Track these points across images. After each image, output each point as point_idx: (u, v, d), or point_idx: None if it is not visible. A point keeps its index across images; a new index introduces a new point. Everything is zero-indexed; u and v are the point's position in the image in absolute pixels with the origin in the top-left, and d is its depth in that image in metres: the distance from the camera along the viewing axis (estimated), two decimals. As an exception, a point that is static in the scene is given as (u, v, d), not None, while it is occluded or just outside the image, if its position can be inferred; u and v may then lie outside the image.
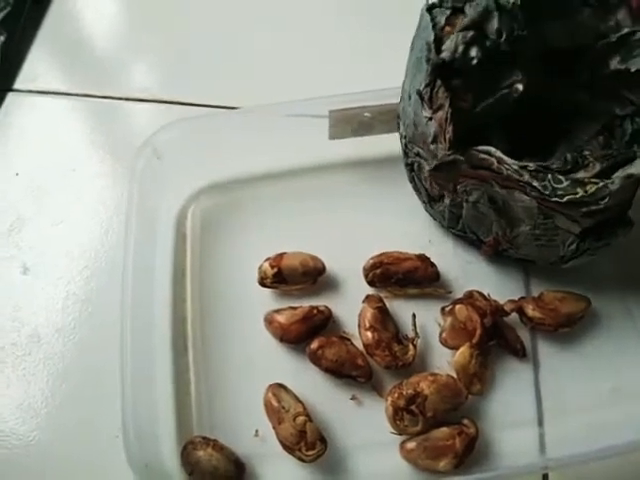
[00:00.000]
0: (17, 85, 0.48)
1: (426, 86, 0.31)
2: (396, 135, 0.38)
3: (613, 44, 0.32)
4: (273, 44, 0.49)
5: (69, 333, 0.38)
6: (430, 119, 0.31)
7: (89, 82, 0.48)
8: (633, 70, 0.32)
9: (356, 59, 0.47)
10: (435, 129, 0.31)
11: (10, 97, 0.47)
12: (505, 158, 0.30)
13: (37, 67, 0.49)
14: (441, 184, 0.33)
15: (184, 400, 0.35)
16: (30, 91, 0.47)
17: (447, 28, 0.32)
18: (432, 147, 0.31)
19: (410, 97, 0.34)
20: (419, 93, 0.31)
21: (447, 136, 0.30)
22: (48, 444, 0.35)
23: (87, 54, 0.50)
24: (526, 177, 0.30)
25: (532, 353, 0.36)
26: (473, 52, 0.32)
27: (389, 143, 0.39)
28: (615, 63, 0.33)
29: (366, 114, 0.40)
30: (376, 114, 0.40)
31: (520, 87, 0.32)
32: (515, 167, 0.30)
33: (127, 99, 0.47)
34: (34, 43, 0.50)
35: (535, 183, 0.30)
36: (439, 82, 0.31)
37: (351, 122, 0.40)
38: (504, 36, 0.32)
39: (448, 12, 0.32)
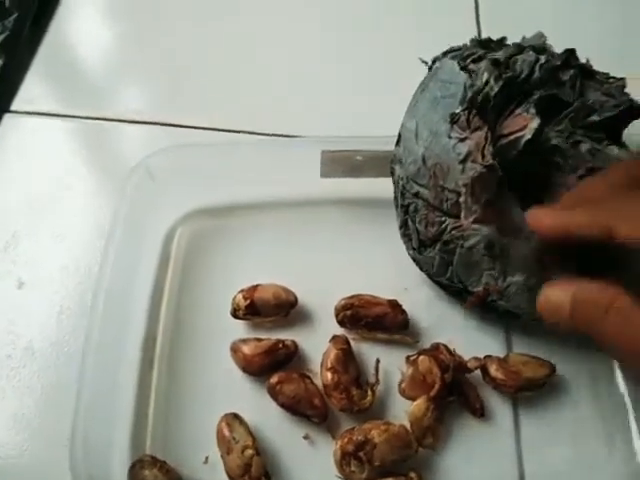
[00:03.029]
0: (14, 107, 0.49)
1: (464, 110, 0.33)
2: (386, 180, 0.39)
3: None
4: (272, 70, 0.50)
5: (63, 346, 0.39)
6: (463, 140, 0.33)
7: (85, 104, 0.49)
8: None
9: (355, 101, 0.48)
10: (469, 148, 0.32)
11: (7, 118, 0.49)
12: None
13: (34, 89, 0.50)
14: (476, 196, 0.33)
15: (142, 417, 0.35)
16: (27, 112, 0.49)
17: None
18: (459, 167, 0.33)
19: (417, 135, 0.35)
20: (453, 116, 0.33)
21: (486, 152, 0.32)
22: (41, 454, 0.35)
23: (83, 77, 0.51)
24: None
25: (494, 414, 0.35)
26: (495, 85, 0.33)
27: (379, 187, 0.40)
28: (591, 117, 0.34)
29: (358, 157, 0.41)
30: (368, 159, 0.41)
31: (535, 125, 0.33)
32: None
33: (121, 121, 0.48)
34: (31, 66, 0.51)
35: None
36: (474, 110, 0.33)
37: (343, 163, 0.41)
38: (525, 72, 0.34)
39: (469, 60, 0.35)
